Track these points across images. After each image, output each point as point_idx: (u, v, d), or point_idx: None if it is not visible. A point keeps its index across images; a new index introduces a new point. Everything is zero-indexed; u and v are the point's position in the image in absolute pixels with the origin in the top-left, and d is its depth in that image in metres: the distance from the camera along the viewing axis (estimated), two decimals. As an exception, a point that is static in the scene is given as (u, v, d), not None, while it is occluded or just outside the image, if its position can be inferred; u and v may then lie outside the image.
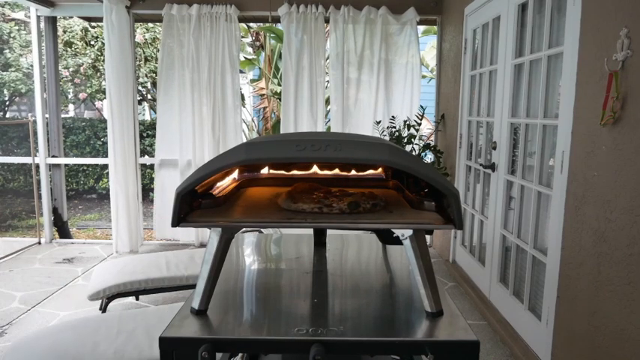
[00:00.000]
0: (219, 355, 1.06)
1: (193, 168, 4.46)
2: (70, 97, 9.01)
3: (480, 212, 3.59)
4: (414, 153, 4.21)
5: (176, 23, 4.43)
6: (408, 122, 4.35)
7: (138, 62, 7.52)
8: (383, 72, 4.53)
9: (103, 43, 4.83)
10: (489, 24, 3.35)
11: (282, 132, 4.63)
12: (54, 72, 4.91)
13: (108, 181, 4.66)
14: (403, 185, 1.44)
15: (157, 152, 4.65)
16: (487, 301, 3.28)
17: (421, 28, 6.54)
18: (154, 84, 8.40)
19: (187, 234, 4.80)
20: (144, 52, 7.77)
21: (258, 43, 7.98)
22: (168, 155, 4.63)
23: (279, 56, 6.78)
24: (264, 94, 7.52)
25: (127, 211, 4.56)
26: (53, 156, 4.90)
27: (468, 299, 3.48)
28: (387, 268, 1.54)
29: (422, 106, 4.42)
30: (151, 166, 7.65)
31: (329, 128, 5.30)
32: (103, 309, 2.88)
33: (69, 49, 7.88)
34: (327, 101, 4.83)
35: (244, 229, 1.77)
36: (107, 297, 2.86)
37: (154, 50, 7.88)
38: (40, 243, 4.84)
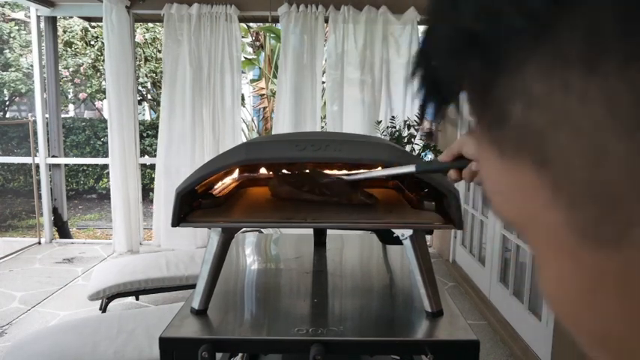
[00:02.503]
0: (219, 355, 1.06)
1: (193, 168, 4.45)
2: (70, 97, 9.01)
3: (480, 212, 3.58)
4: (414, 153, 4.21)
5: (176, 23, 4.43)
6: (408, 122, 4.35)
7: (138, 62, 7.52)
8: (383, 72, 4.53)
9: (103, 43, 4.82)
10: (489, 24, 3.35)
11: (277, 132, 4.63)
12: (54, 72, 4.91)
13: (108, 181, 4.66)
14: (403, 185, 1.44)
15: (162, 153, 4.63)
16: (487, 301, 3.28)
17: (422, 27, 6.54)
18: (154, 84, 8.40)
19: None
20: (144, 52, 7.77)
21: (258, 43, 7.98)
22: (172, 156, 4.62)
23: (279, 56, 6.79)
24: (264, 94, 7.52)
25: (127, 211, 4.56)
26: (53, 156, 4.90)
27: (468, 299, 3.48)
28: (387, 268, 1.53)
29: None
30: (151, 166, 7.65)
31: (328, 128, 5.29)
32: (103, 309, 2.88)
33: (69, 49, 7.88)
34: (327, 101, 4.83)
35: (244, 229, 1.77)
36: (107, 297, 2.87)
37: (154, 50, 7.88)
38: (40, 243, 4.84)
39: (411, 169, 0.83)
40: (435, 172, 0.82)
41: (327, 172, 1.25)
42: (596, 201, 0.18)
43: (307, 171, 1.25)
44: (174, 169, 4.58)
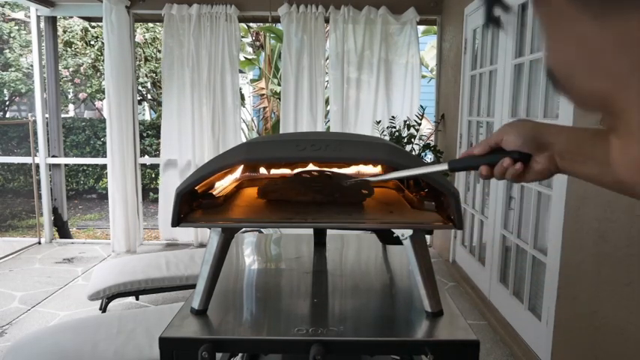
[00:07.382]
0: (219, 355, 1.06)
1: (193, 168, 4.46)
2: (70, 97, 9.01)
3: (480, 212, 3.59)
4: (414, 153, 4.21)
5: (176, 23, 4.43)
6: (408, 122, 4.35)
7: (138, 62, 7.52)
8: (383, 72, 4.53)
9: (102, 43, 4.82)
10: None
11: (281, 132, 4.63)
12: (54, 72, 4.91)
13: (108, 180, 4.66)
14: (403, 185, 1.44)
15: (161, 153, 4.64)
16: (487, 301, 3.28)
17: (421, 28, 6.54)
18: (154, 84, 8.40)
19: (188, 234, 4.79)
20: (144, 52, 7.77)
21: (258, 43, 7.98)
22: (171, 155, 4.63)
23: (279, 56, 6.79)
24: (264, 94, 7.52)
25: (125, 211, 4.56)
26: (53, 156, 4.90)
27: (468, 299, 3.48)
28: (387, 268, 1.53)
29: (422, 106, 4.42)
30: (151, 166, 7.65)
31: (329, 128, 5.29)
32: (103, 309, 2.88)
33: (69, 49, 7.88)
34: (327, 101, 4.83)
35: (244, 229, 1.77)
36: (107, 297, 2.86)
37: (154, 50, 7.88)
38: (40, 243, 4.84)
39: (444, 167, 0.79)
40: (467, 170, 0.80)
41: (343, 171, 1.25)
42: None
43: (329, 173, 1.24)
44: (175, 167, 4.59)
